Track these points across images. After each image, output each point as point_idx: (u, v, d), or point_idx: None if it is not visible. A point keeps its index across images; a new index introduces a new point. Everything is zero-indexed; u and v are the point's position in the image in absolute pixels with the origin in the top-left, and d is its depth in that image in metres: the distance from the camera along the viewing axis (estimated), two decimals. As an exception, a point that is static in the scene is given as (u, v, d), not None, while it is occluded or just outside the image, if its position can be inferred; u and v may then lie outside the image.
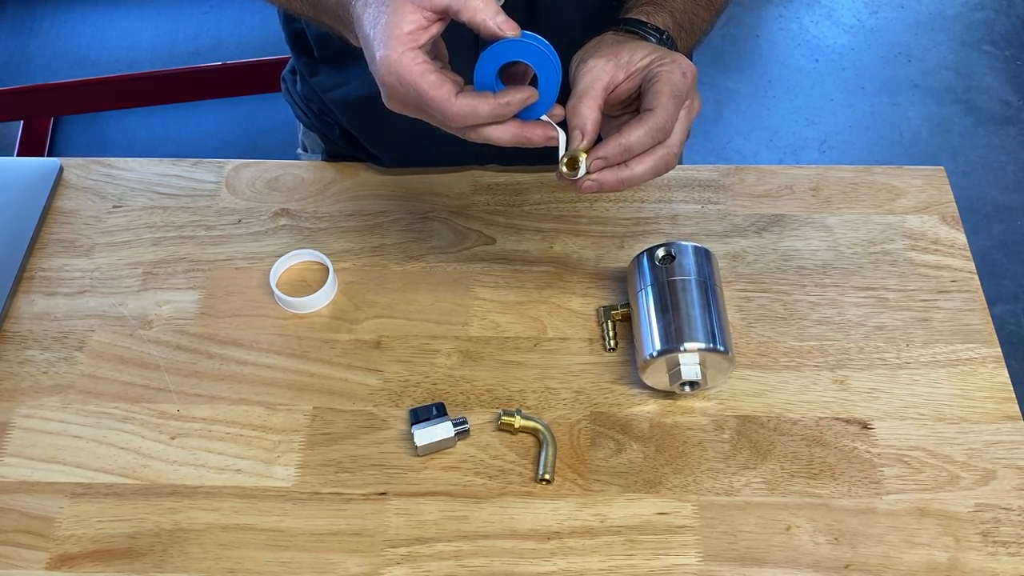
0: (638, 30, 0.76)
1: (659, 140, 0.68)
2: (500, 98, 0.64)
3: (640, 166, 0.69)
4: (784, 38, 2.39)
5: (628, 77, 0.70)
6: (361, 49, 0.73)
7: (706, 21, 0.84)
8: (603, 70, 0.69)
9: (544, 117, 0.67)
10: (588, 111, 0.68)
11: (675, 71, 0.69)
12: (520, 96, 0.64)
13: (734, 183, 0.94)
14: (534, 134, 0.67)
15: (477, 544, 0.72)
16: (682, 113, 0.69)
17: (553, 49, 0.65)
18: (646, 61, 0.70)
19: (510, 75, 0.68)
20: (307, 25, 0.94)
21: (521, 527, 0.73)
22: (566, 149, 0.68)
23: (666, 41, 0.76)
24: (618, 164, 0.69)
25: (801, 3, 2.47)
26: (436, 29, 0.64)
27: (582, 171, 0.68)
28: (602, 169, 0.69)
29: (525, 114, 0.66)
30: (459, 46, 0.67)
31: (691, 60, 0.87)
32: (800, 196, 0.93)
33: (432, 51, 0.66)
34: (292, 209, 0.93)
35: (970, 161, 2.14)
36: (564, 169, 0.68)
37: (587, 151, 0.68)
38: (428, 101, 0.64)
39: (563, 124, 0.68)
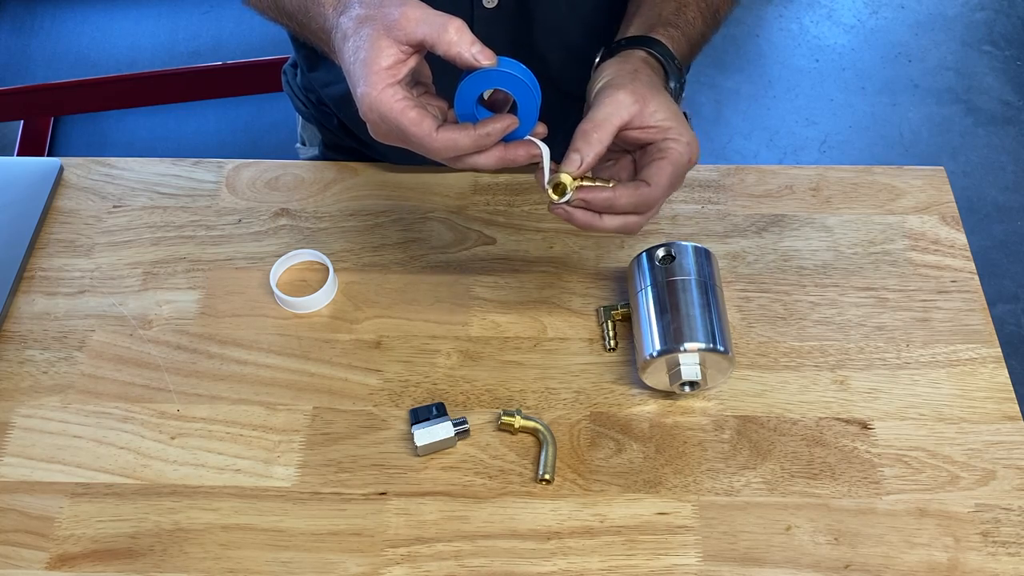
0: (667, 64, 0.76)
1: (641, 212, 0.71)
2: (480, 129, 0.65)
3: (611, 222, 0.71)
4: (784, 38, 2.39)
5: (643, 128, 0.71)
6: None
7: (708, 40, 0.85)
8: (627, 110, 0.70)
9: (528, 136, 0.68)
10: (596, 143, 0.69)
11: (684, 154, 0.70)
12: (500, 126, 0.66)
13: (734, 183, 0.94)
14: (517, 155, 0.68)
15: (477, 544, 0.72)
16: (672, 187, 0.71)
17: (531, 74, 0.66)
18: (665, 124, 0.70)
19: (492, 101, 0.68)
20: None
21: (521, 527, 0.73)
22: (552, 167, 0.69)
23: (682, 82, 0.78)
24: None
25: (801, 3, 2.47)
26: (414, 62, 0.65)
27: (566, 198, 0.69)
28: (579, 208, 0.70)
29: (509, 136, 0.67)
30: (446, 64, 0.68)
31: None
32: (800, 196, 0.93)
33: (413, 77, 0.67)
34: (292, 209, 0.93)
35: (970, 161, 2.14)
36: (550, 192, 0.69)
37: (576, 178, 0.69)
38: (410, 137, 0.65)
39: (546, 140, 0.69)
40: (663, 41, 0.77)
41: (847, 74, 2.32)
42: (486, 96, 0.68)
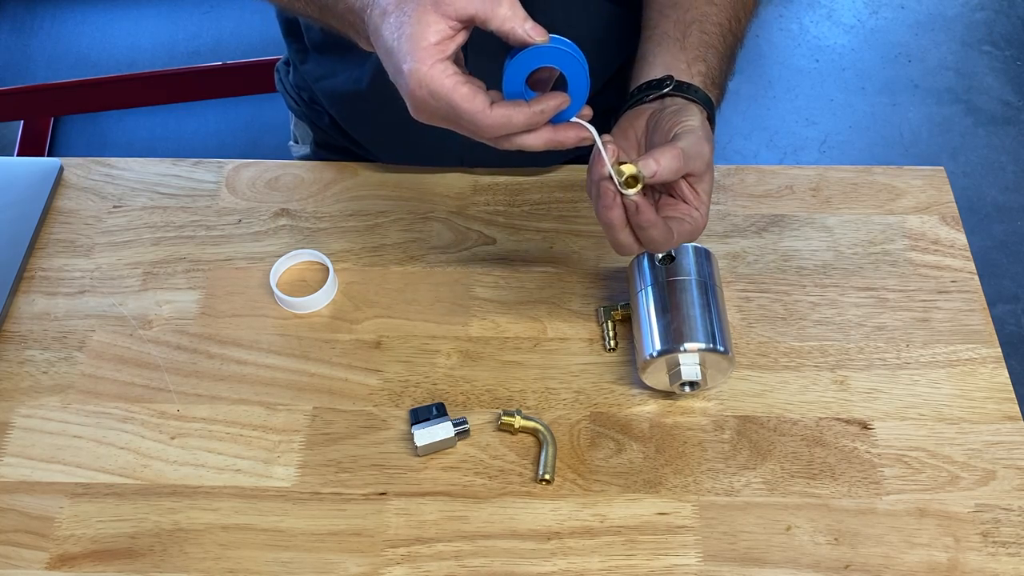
0: (712, 118, 0.75)
1: (683, 167, 0.69)
2: (534, 106, 0.63)
3: (672, 230, 0.70)
4: (784, 38, 2.39)
5: (690, 187, 0.71)
6: (352, 42, 0.72)
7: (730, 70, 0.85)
8: (698, 169, 0.70)
9: (575, 119, 0.67)
10: (674, 162, 0.68)
11: (698, 222, 0.71)
12: (554, 103, 0.64)
13: (734, 183, 0.94)
14: (567, 136, 0.66)
15: (477, 544, 0.72)
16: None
17: (580, 52, 0.65)
18: (703, 198, 0.71)
19: (535, 80, 0.67)
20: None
21: (521, 527, 0.73)
22: (608, 153, 0.68)
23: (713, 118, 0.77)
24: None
25: (801, 3, 2.47)
26: (462, 38, 0.63)
27: (635, 191, 0.68)
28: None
29: (556, 118, 0.66)
30: (484, 44, 0.66)
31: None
32: (800, 196, 0.93)
33: (457, 57, 0.65)
34: (292, 209, 0.93)
35: (970, 161, 2.14)
36: (622, 183, 0.68)
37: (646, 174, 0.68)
38: (462, 114, 0.63)
39: (593, 121, 0.68)
40: (711, 96, 0.76)
41: (847, 74, 2.32)
42: (531, 78, 0.66)
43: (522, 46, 0.63)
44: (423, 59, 0.62)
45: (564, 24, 0.89)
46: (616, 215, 0.69)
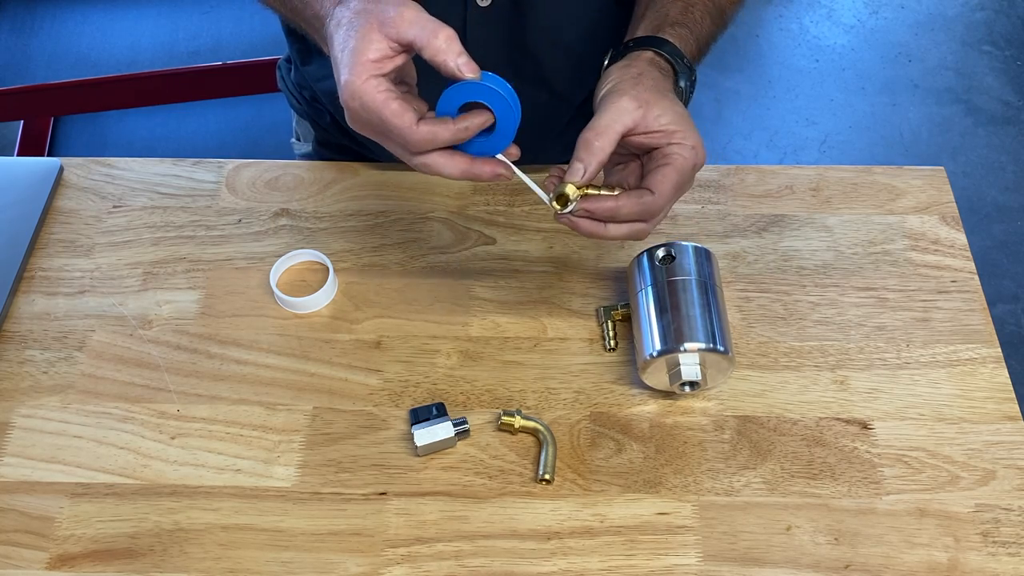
0: (675, 62, 0.76)
1: (646, 219, 0.71)
2: (459, 123, 0.66)
3: (616, 230, 0.71)
4: (784, 38, 2.39)
5: (647, 133, 0.70)
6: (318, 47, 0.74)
7: (715, 40, 0.85)
8: (629, 116, 0.69)
9: (500, 156, 0.69)
10: (598, 152, 0.69)
11: (689, 159, 0.70)
12: (477, 121, 0.66)
13: (734, 183, 0.94)
14: (482, 170, 0.69)
15: (477, 544, 0.72)
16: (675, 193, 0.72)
17: (513, 91, 0.67)
18: (669, 128, 0.70)
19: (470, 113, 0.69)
20: None
21: (521, 527, 0.73)
22: (558, 175, 0.70)
23: (693, 79, 0.77)
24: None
25: (801, 3, 2.47)
26: (400, 60, 0.66)
27: (570, 208, 0.70)
28: (584, 217, 0.71)
29: (481, 150, 0.68)
30: (433, 71, 0.68)
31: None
32: (800, 196, 0.93)
33: (398, 75, 0.68)
34: (292, 209, 0.93)
35: (970, 161, 2.14)
36: (554, 203, 0.70)
37: (581, 187, 0.69)
38: (391, 128, 0.65)
39: (519, 163, 0.70)
40: (671, 40, 0.77)
41: (847, 74, 2.32)
42: (466, 110, 0.68)
43: (454, 80, 0.65)
44: (359, 73, 0.64)
45: (557, 16, 0.89)
46: (586, 228, 0.71)
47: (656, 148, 0.71)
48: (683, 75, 0.76)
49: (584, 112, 0.76)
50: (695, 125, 0.72)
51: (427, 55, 0.64)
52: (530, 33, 0.90)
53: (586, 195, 0.70)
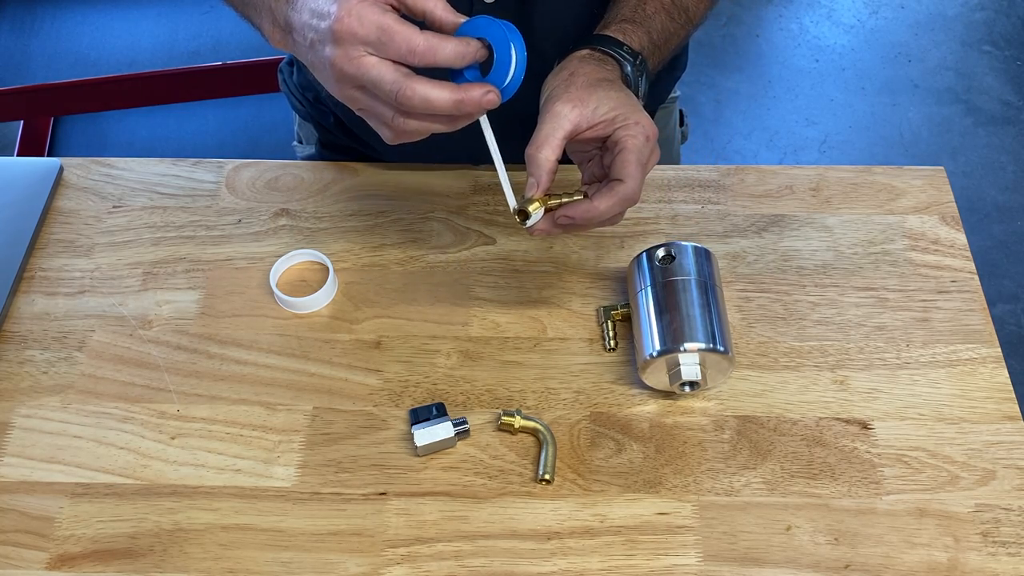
0: (614, 52, 0.77)
1: (629, 207, 0.72)
2: (462, 43, 0.64)
3: (599, 225, 0.73)
4: (784, 38, 2.39)
5: (591, 127, 0.72)
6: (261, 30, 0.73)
7: (680, 37, 0.86)
8: (567, 119, 0.71)
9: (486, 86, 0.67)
10: (544, 163, 0.70)
11: (639, 136, 0.71)
12: (476, 43, 0.65)
13: (734, 183, 0.94)
14: (471, 94, 0.65)
15: (477, 544, 0.72)
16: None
17: (514, 28, 0.66)
18: (611, 115, 0.71)
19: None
20: None
21: (521, 527, 0.73)
22: (520, 196, 0.72)
23: (640, 65, 0.78)
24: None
25: (801, 3, 2.47)
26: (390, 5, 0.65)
27: (532, 220, 0.72)
28: (566, 224, 0.72)
29: (487, 79, 0.67)
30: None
31: (661, 70, 0.88)
32: (800, 196, 0.93)
33: None
34: (292, 209, 0.93)
35: (970, 161, 2.14)
36: (517, 219, 0.72)
37: (539, 199, 0.71)
38: (393, 34, 0.63)
39: (507, 162, 0.72)
40: (612, 35, 0.78)
41: (847, 74, 2.32)
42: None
43: (445, 25, 0.65)
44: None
45: (562, 14, 0.89)
46: (566, 224, 0.72)
47: (607, 137, 0.72)
48: (626, 62, 0.77)
49: None
50: (637, 104, 0.73)
51: (415, 11, 0.65)
52: (536, 30, 0.90)
53: (562, 203, 0.72)
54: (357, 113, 0.69)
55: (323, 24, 0.65)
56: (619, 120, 0.71)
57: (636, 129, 0.71)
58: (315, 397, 0.80)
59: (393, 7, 0.65)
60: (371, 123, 0.69)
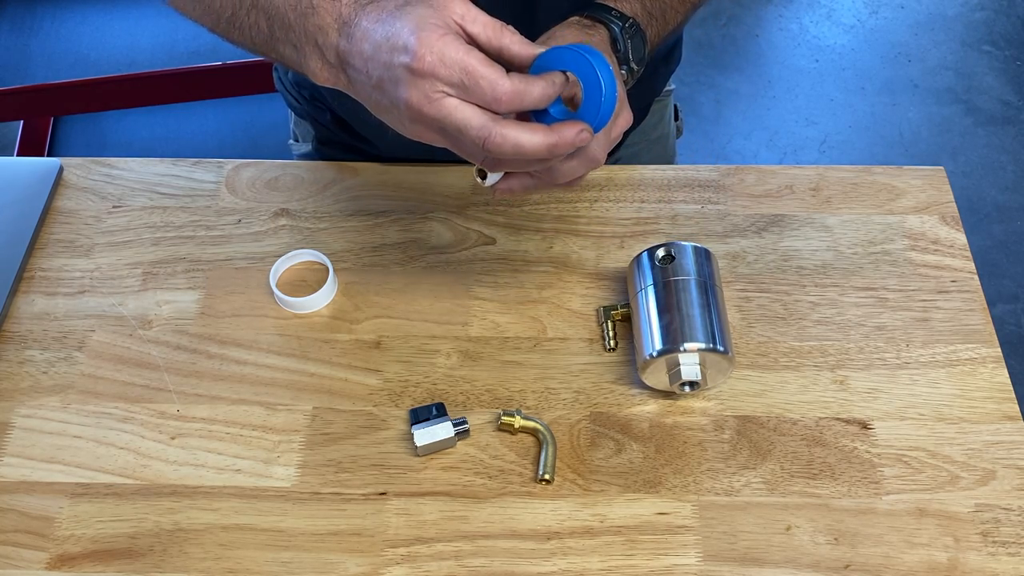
0: (602, 17, 0.75)
1: (592, 168, 0.68)
2: (551, 78, 0.61)
3: (565, 167, 0.68)
4: (784, 38, 2.39)
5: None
6: (299, 69, 0.69)
7: (680, 13, 0.83)
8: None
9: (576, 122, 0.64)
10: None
11: None
12: (561, 77, 0.61)
13: (734, 183, 0.94)
14: (565, 134, 0.62)
15: (477, 544, 0.72)
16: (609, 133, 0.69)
17: (597, 52, 0.62)
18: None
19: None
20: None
21: (521, 527, 0.73)
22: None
23: (629, 29, 0.75)
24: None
25: (801, 3, 2.47)
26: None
27: (491, 180, 0.68)
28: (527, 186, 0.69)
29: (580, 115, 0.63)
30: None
31: (658, 64, 0.86)
32: (800, 196, 0.93)
33: None
34: (292, 209, 0.93)
35: (970, 161, 2.14)
36: (477, 179, 0.68)
37: None
38: (479, 77, 0.59)
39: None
40: (603, 2, 0.76)
41: (847, 74, 2.32)
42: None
43: (526, 60, 0.62)
44: (434, 29, 0.59)
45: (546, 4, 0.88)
46: (519, 187, 0.69)
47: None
48: (614, 25, 0.74)
49: None
50: (615, 68, 0.70)
51: (491, 48, 0.61)
52: (540, 14, 0.90)
53: None
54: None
55: (397, 60, 0.60)
56: None
57: None
58: (315, 397, 0.80)
59: (470, 39, 0.61)
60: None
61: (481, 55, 0.60)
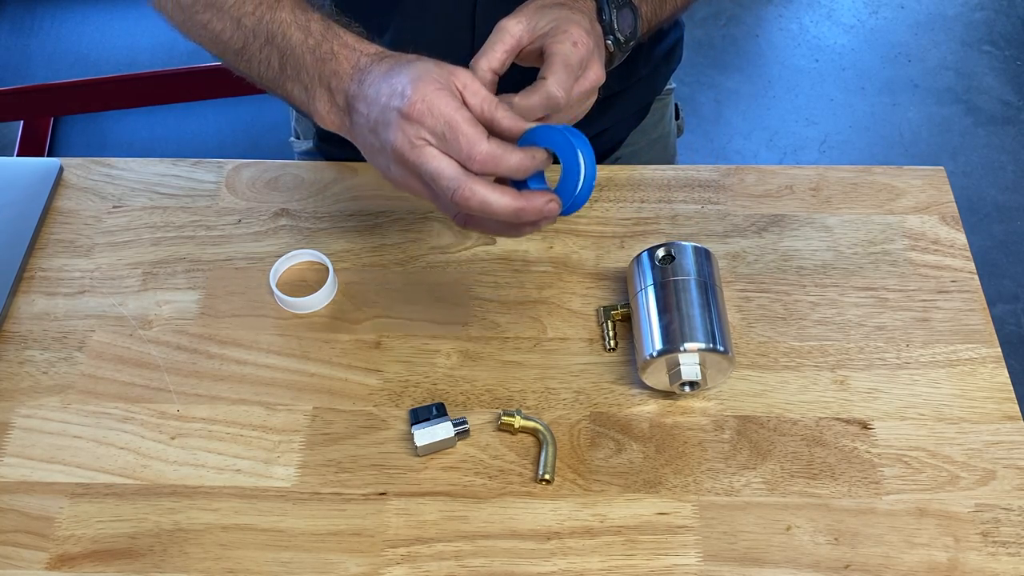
0: None
1: (551, 110, 0.69)
2: (528, 152, 0.64)
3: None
4: (784, 38, 2.39)
5: (531, 41, 0.71)
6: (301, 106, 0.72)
7: None
8: (509, 32, 0.70)
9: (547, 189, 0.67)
10: (481, 72, 0.69)
11: (566, 43, 0.70)
12: (543, 154, 0.65)
13: (734, 183, 0.94)
14: (533, 202, 0.64)
15: (477, 544, 0.72)
16: (574, 84, 0.70)
17: (579, 133, 0.65)
18: (547, 28, 0.70)
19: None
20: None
21: (521, 527, 0.73)
22: None
23: (623, 5, 0.76)
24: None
25: (801, 3, 2.47)
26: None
27: None
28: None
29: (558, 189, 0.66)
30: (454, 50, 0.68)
31: (676, 23, 0.85)
32: (800, 196, 0.93)
33: None
34: (292, 209, 0.93)
35: (970, 161, 2.14)
36: None
37: None
38: (460, 133, 0.62)
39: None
40: None
41: (847, 74, 2.32)
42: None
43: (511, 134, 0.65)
44: (432, 82, 0.63)
45: None
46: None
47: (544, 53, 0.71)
48: (604, 1, 0.75)
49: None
50: (580, 20, 0.71)
51: (483, 119, 0.65)
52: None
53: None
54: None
55: (392, 104, 0.64)
56: (552, 32, 0.70)
57: (563, 36, 0.69)
58: (315, 397, 0.80)
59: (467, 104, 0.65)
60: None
61: (469, 115, 0.63)
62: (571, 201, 0.65)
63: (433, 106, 0.62)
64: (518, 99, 0.68)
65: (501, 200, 0.63)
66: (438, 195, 0.65)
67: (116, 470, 0.76)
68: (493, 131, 0.65)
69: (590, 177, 0.64)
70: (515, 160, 0.63)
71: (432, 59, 0.67)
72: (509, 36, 0.70)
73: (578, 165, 0.64)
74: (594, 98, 0.74)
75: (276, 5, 0.73)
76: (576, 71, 0.70)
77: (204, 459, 0.77)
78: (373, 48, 0.70)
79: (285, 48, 0.72)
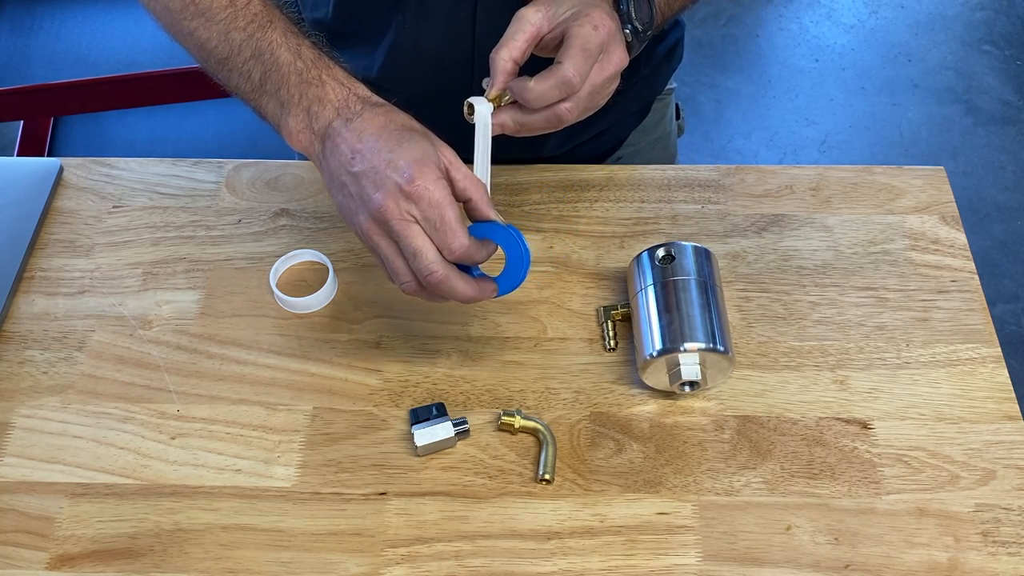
0: None
1: (566, 93, 0.71)
2: (488, 246, 0.70)
3: (539, 116, 0.72)
4: (784, 38, 2.39)
5: (551, 29, 0.72)
6: (350, 39, 0.74)
7: None
8: (529, 21, 0.71)
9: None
10: (501, 62, 0.71)
11: (586, 25, 0.70)
12: (490, 250, 0.71)
13: (734, 183, 0.94)
14: (487, 289, 0.72)
15: (477, 544, 0.72)
16: (593, 69, 0.71)
17: (521, 235, 0.71)
18: (568, 15, 0.71)
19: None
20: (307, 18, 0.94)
21: (521, 527, 0.73)
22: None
23: None
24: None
25: (801, 3, 2.47)
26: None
27: (478, 113, 0.72)
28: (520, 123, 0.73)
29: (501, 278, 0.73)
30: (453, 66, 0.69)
31: (677, 23, 0.85)
32: (800, 196, 0.93)
33: None
34: (292, 209, 0.93)
35: (970, 161, 2.14)
36: (465, 113, 0.72)
37: (493, 99, 0.72)
38: (446, 225, 0.67)
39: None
40: None
41: (847, 74, 2.32)
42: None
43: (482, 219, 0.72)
44: (433, 169, 0.68)
45: None
46: (510, 126, 0.74)
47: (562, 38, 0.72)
48: None
49: None
50: (600, 4, 0.72)
51: (462, 197, 0.70)
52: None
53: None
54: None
55: (390, 173, 0.68)
56: (573, 18, 0.71)
57: (584, 19, 0.70)
58: (315, 397, 0.80)
59: (449, 181, 0.69)
60: (377, 263, 0.72)
61: (456, 212, 0.68)
62: (512, 284, 0.73)
63: (432, 195, 0.67)
64: (533, 83, 0.70)
65: (466, 288, 0.70)
66: (402, 260, 0.70)
67: (116, 470, 0.76)
68: (467, 207, 0.71)
69: (527, 264, 0.72)
70: (480, 256, 0.70)
71: (420, 127, 0.71)
72: (529, 24, 0.71)
73: (520, 257, 0.71)
74: (617, 83, 0.74)
75: (268, 25, 0.76)
76: (595, 55, 0.71)
77: (204, 459, 0.77)
78: (362, 90, 0.73)
79: (270, 64, 0.74)
